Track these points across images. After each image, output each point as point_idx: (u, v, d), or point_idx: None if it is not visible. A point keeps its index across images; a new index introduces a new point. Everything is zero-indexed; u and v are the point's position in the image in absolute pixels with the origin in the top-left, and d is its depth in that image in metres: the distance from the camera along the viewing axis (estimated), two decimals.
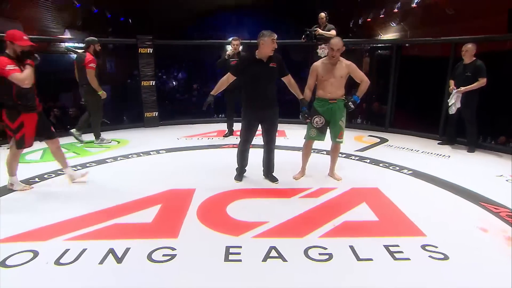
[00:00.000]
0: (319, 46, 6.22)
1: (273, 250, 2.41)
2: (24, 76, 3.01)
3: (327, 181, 3.75)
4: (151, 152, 4.84)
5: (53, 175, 3.90)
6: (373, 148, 5.08)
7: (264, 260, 2.30)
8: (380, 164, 4.29)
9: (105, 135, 5.92)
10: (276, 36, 3.31)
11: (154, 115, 6.51)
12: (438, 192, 3.48)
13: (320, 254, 2.37)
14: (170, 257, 2.34)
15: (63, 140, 5.45)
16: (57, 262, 2.27)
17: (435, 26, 9.39)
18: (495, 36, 5.40)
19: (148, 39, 6.21)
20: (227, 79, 3.44)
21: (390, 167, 4.18)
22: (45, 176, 3.88)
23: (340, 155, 4.40)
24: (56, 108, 7.08)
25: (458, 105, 4.68)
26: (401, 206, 3.11)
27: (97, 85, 5.13)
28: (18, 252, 2.37)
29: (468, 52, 4.64)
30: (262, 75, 3.37)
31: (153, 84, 6.38)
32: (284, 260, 2.30)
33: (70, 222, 2.82)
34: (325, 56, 6.12)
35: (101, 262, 2.28)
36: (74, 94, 9.52)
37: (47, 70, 8.18)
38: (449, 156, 4.70)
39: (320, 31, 6.12)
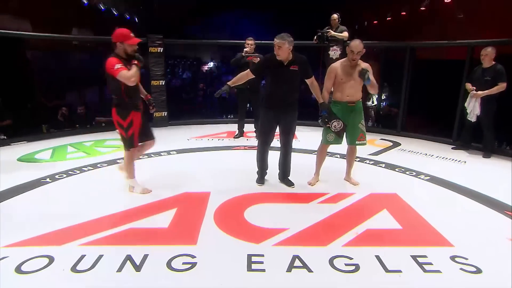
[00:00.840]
0: (331, 48, 6.10)
1: (296, 259, 2.29)
2: (130, 74, 2.99)
3: (344, 186, 3.64)
4: (162, 153, 4.73)
5: (64, 175, 3.79)
6: (386, 152, 4.96)
7: (289, 270, 2.19)
8: (396, 169, 4.17)
9: (112, 135, 5.82)
10: (277, 41, 3.15)
11: (163, 115, 6.40)
12: (459, 199, 3.36)
13: (346, 264, 2.25)
14: (190, 265, 2.22)
15: (72, 139, 5.39)
16: (74, 269, 2.16)
17: (444, 29, 9.27)
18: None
19: (158, 38, 6.10)
20: (247, 75, 3.36)
21: (407, 172, 4.06)
22: (57, 176, 3.76)
23: (355, 160, 4.29)
24: (64, 107, 6.97)
25: (478, 111, 4.54)
26: (423, 214, 2.99)
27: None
28: (33, 257, 2.27)
29: (488, 56, 4.51)
30: (281, 78, 3.27)
31: (163, 83, 6.26)
32: (310, 270, 2.19)
33: (84, 225, 2.71)
34: (337, 58, 6.12)
35: (120, 270, 2.17)
36: (80, 92, 9.47)
37: (57, 68, 8.13)
38: (465, 162, 4.57)
39: (332, 32, 6.00)
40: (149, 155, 4.61)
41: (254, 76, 3.35)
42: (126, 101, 3.13)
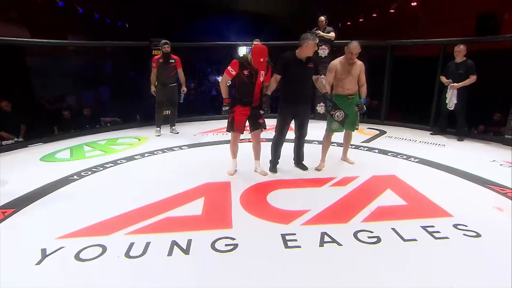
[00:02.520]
0: (319, 47, 6.20)
1: (325, 235, 2.39)
2: (221, 80, 3.39)
3: (348, 170, 3.76)
4: (174, 148, 4.70)
5: (90, 172, 3.72)
6: (376, 139, 5.14)
7: (321, 245, 2.29)
8: (389, 154, 4.35)
9: (122, 133, 5.73)
10: (318, 40, 3.32)
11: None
12: (447, 177, 3.56)
13: (369, 237, 2.37)
14: (233, 246, 2.28)
15: (85, 139, 5.26)
16: (128, 255, 2.18)
17: (412, 29, 9.57)
18: (481, 38, 5.55)
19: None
20: (275, 79, 3.42)
21: (398, 156, 4.24)
22: (82, 173, 3.69)
23: (350, 146, 4.44)
24: (67, 110, 6.75)
25: (455, 100, 4.79)
26: (421, 190, 3.16)
27: (151, 81, 5.39)
28: (87, 247, 2.27)
29: (461, 52, 4.75)
30: (301, 74, 3.37)
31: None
32: (339, 244, 2.29)
33: (124, 217, 2.70)
34: (325, 56, 6.24)
35: (170, 254, 2.20)
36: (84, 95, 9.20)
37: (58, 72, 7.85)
38: (444, 145, 4.81)
39: (321, 33, 6.10)
40: (163, 151, 4.59)
41: (280, 76, 3.40)
42: (236, 96, 3.41)
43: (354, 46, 3.41)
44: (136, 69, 11.70)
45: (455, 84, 4.77)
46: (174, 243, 2.31)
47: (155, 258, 2.16)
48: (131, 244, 2.29)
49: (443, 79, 4.98)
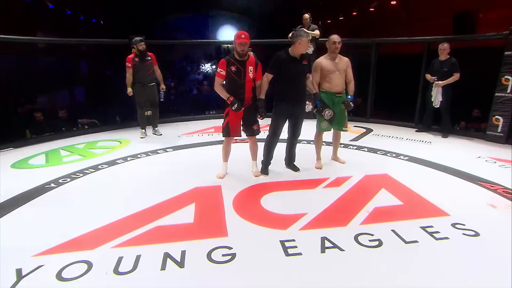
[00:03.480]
0: None
1: (326, 240, 2.31)
2: (215, 84, 3.25)
3: (340, 170, 3.71)
4: (159, 151, 4.49)
5: (68, 179, 3.47)
6: (363, 137, 5.14)
7: (323, 251, 2.20)
8: (378, 152, 4.34)
9: (101, 136, 5.44)
10: (310, 37, 3.24)
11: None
12: (438, 175, 3.58)
13: (370, 240, 2.31)
14: (230, 256, 2.15)
15: (61, 143, 4.94)
16: (117, 271, 2.00)
17: (391, 28, 9.73)
18: (464, 36, 5.67)
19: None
20: (267, 78, 3.30)
21: (388, 154, 4.24)
22: (60, 180, 3.43)
23: (339, 145, 4.41)
24: (40, 112, 6.32)
25: (440, 98, 4.85)
26: (414, 189, 3.14)
27: (127, 82, 5.04)
28: (70, 264, 2.06)
29: (445, 50, 4.81)
30: (296, 72, 3.29)
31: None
32: (341, 249, 2.21)
33: (110, 227, 2.51)
34: (311, 54, 6.19)
35: (163, 268, 2.04)
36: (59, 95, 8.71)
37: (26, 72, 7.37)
38: (430, 142, 4.87)
39: (305, 30, 6.03)
40: (147, 154, 4.37)
41: (271, 76, 3.30)
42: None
43: (335, 36, 3.44)
44: (113, 68, 11.27)
45: (440, 82, 4.84)
46: (167, 255, 2.15)
47: (147, 273, 1.99)
48: (120, 259, 2.11)
49: (428, 76, 5.04)
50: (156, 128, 5.53)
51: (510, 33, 4.53)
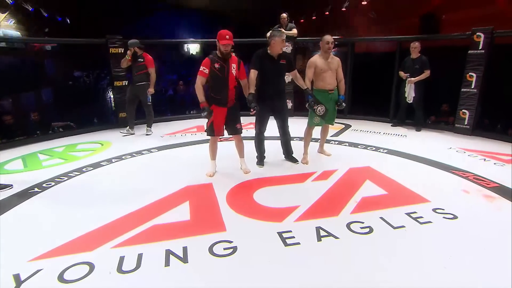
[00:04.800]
0: None
1: (320, 230, 2.44)
2: (196, 83, 3.24)
3: (326, 164, 3.87)
4: (143, 152, 4.45)
5: (53, 183, 3.37)
6: (343, 133, 5.36)
7: (319, 239, 2.32)
8: (359, 146, 4.56)
9: (79, 138, 5.29)
10: (285, 36, 3.36)
11: (124, 115, 5.93)
12: (415, 165, 3.83)
13: (361, 227, 2.47)
14: (232, 249, 2.22)
15: (37, 147, 4.76)
16: (120, 270, 2.01)
17: (363, 27, 10.17)
18: (433, 36, 6.04)
19: (119, 39, 5.60)
20: (254, 74, 3.39)
21: (368, 148, 4.47)
22: (44, 185, 3.33)
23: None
24: (8, 115, 6.01)
25: (413, 94, 5.16)
26: (396, 179, 3.36)
27: (121, 62, 5.29)
28: (71, 266, 2.05)
29: (416, 48, 5.13)
30: (274, 70, 3.45)
31: (126, 84, 5.79)
32: (336, 237, 2.35)
33: (106, 228, 2.50)
34: (289, 53, 6.34)
35: (167, 264, 2.07)
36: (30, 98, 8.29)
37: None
38: (406, 136, 5.18)
39: (283, 30, 6.18)
40: (131, 155, 4.32)
41: (257, 71, 3.40)
42: (211, 96, 3.33)
43: (329, 36, 3.60)
44: (83, 69, 10.87)
45: (412, 78, 5.15)
46: (169, 252, 2.19)
47: (152, 270, 2.02)
48: (122, 258, 2.12)
49: (401, 73, 5.35)
50: (148, 128, 5.52)
51: (473, 34, 4.91)
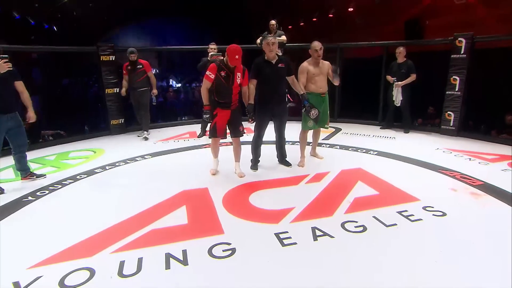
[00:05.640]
0: None
1: (316, 230, 2.51)
2: (203, 87, 3.43)
3: (318, 166, 3.96)
4: (137, 158, 4.45)
5: (47, 191, 3.36)
6: (334, 136, 5.48)
7: (315, 239, 2.39)
8: (350, 149, 4.68)
9: (70, 146, 5.25)
10: (270, 39, 3.46)
11: (120, 122, 5.95)
12: (404, 166, 3.96)
13: (355, 226, 2.55)
14: (230, 251, 2.27)
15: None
16: (122, 274, 2.04)
17: (349, 32, 10.40)
18: (418, 41, 6.26)
19: (109, 46, 5.62)
20: (253, 84, 3.51)
21: (359, 150, 4.58)
22: (38, 193, 3.31)
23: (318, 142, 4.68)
24: None
25: (401, 97, 5.33)
26: (387, 180, 3.47)
27: (123, 84, 5.50)
28: (71, 272, 2.06)
29: (401, 53, 5.32)
30: (272, 75, 3.52)
31: (117, 91, 5.79)
32: (331, 236, 2.43)
33: (105, 234, 2.52)
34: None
35: (168, 267, 2.11)
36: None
37: None
38: (394, 138, 5.33)
39: (271, 36, 6.30)
40: (125, 162, 4.32)
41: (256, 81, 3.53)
42: (215, 99, 3.43)
43: (317, 43, 3.70)
44: (71, 76, 10.77)
45: (399, 82, 5.33)
46: (169, 255, 2.22)
47: (153, 273, 2.06)
48: (122, 262, 2.15)
49: (388, 78, 5.52)
50: (144, 132, 5.65)
51: (455, 39, 5.12)
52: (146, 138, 5.52)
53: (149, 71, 5.43)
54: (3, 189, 3.32)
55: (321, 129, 4.17)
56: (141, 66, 5.36)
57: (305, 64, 3.76)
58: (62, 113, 7.60)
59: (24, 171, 3.66)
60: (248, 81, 3.51)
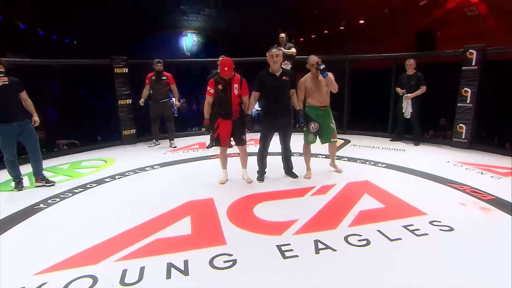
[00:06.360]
0: (282, 63, 6.45)
1: (318, 243, 2.49)
2: (205, 101, 3.62)
3: (325, 178, 3.93)
4: (146, 168, 4.54)
5: (58, 199, 3.46)
6: (343, 148, 5.44)
7: (317, 252, 2.37)
8: (358, 161, 4.64)
9: (83, 156, 5.40)
10: (274, 52, 3.52)
11: (132, 132, 6.09)
12: (413, 179, 3.89)
13: (359, 240, 2.52)
14: (232, 262, 2.27)
15: (43, 164, 4.84)
16: (123, 283, 2.07)
17: (361, 44, 10.41)
18: (427, 53, 6.22)
19: (123, 59, 5.81)
20: (254, 96, 3.59)
21: (367, 163, 4.54)
22: (49, 201, 3.41)
23: (320, 156, 4.72)
24: None
25: (410, 109, 5.29)
26: (394, 193, 3.42)
27: (142, 95, 5.63)
28: (75, 279, 2.11)
29: (411, 65, 5.29)
30: (276, 88, 3.56)
31: (130, 102, 5.96)
32: (333, 250, 2.40)
33: (109, 243, 2.56)
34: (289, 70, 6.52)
35: (169, 277, 2.13)
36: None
37: None
38: (404, 150, 5.26)
39: (282, 49, 6.37)
40: (135, 171, 4.41)
41: (259, 93, 3.62)
42: (217, 111, 3.61)
43: (313, 57, 3.69)
44: (87, 88, 11.13)
45: (408, 94, 5.29)
46: (170, 265, 2.24)
47: (154, 282, 2.08)
48: (124, 271, 2.18)
49: (398, 90, 5.49)
50: (171, 141, 5.87)
51: (465, 51, 5.06)
52: (175, 147, 5.76)
53: (172, 84, 5.60)
54: (54, 182, 3.93)
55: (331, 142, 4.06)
56: (165, 78, 5.54)
57: (302, 79, 3.78)
58: (77, 123, 7.86)
59: (37, 175, 3.91)
60: (247, 91, 3.59)
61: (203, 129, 3.62)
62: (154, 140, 5.89)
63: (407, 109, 5.29)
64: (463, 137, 5.23)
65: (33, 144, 3.83)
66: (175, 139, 5.94)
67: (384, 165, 4.40)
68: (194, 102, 11.35)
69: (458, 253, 2.33)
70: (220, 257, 2.33)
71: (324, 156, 4.75)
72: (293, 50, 6.50)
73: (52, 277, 2.14)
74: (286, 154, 3.94)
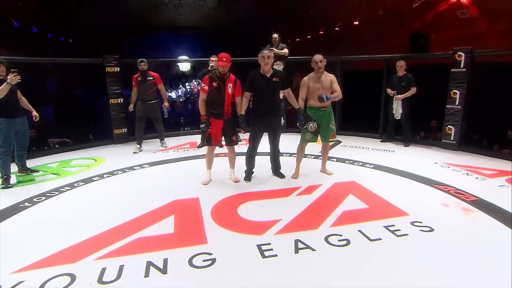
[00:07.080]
0: (274, 63, 6.48)
1: (299, 242, 2.50)
2: (199, 97, 3.66)
3: (312, 178, 3.95)
4: (135, 167, 4.55)
5: (43, 198, 3.46)
6: (333, 148, 5.46)
7: (297, 252, 2.39)
8: (346, 162, 4.66)
9: (74, 154, 5.40)
10: (265, 53, 3.53)
11: (123, 131, 6.09)
12: (400, 180, 3.92)
13: (339, 240, 2.53)
14: (211, 261, 2.28)
15: (32, 162, 4.85)
16: (101, 281, 2.08)
17: (355, 45, 10.44)
18: (422, 54, 6.25)
19: (115, 58, 5.81)
20: (246, 96, 3.61)
21: (355, 163, 4.56)
22: (35, 199, 3.42)
23: (309, 156, 4.74)
24: None
25: (401, 110, 5.31)
26: (379, 194, 3.44)
27: (131, 99, 5.48)
28: (53, 277, 2.11)
29: (402, 67, 5.32)
30: (266, 88, 3.58)
31: (121, 101, 5.96)
32: (313, 249, 2.42)
33: (91, 241, 2.57)
34: (280, 71, 6.53)
35: (147, 275, 2.14)
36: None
37: None
38: (393, 151, 5.28)
39: (275, 50, 6.39)
40: (123, 170, 4.42)
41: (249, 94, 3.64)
42: (210, 110, 3.61)
43: (317, 56, 3.69)
44: (83, 87, 11.14)
45: (399, 95, 5.31)
46: (149, 264, 2.25)
47: (131, 280, 2.09)
48: (103, 269, 2.19)
49: (389, 91, 5.51)
50: (162, 141, 5.83)
51: (454, 53, 5.09)
52: (166, 146, 5.74)
53: (159, 84, 5.42)
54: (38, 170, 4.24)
55: (314, 142, 4.10)
56: (151, 78, 5.34)
57: (305, 79, 3.77)
58: (70, 122, 7.85)
59: (21, 166, 4.17)
60: (241, 92, 3.61)
61: (202, 126, 3.57)
62: (138, 146, 5.50)
63: (397, 110, 5.32)
64: (452, 138, 5.26)
65: (26, 139, 4.06)
66: (165, 138, 5.92)
67: (372, 166, 4.42)
68: (187, 102, 11.38)
69: (436, 253, 2.35)
70: (199, 256, 2.34)
71: (313, 157, 4.78)
72: (286, 50, 6.52)
73: (30, 275, 2.14)
74: (275, 155, 3.96)
